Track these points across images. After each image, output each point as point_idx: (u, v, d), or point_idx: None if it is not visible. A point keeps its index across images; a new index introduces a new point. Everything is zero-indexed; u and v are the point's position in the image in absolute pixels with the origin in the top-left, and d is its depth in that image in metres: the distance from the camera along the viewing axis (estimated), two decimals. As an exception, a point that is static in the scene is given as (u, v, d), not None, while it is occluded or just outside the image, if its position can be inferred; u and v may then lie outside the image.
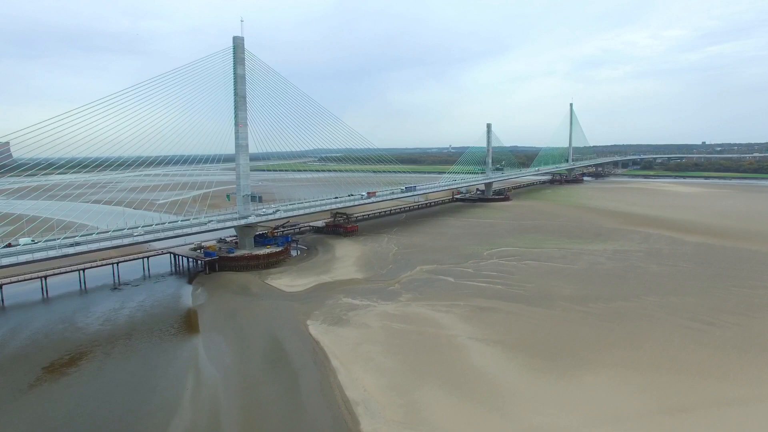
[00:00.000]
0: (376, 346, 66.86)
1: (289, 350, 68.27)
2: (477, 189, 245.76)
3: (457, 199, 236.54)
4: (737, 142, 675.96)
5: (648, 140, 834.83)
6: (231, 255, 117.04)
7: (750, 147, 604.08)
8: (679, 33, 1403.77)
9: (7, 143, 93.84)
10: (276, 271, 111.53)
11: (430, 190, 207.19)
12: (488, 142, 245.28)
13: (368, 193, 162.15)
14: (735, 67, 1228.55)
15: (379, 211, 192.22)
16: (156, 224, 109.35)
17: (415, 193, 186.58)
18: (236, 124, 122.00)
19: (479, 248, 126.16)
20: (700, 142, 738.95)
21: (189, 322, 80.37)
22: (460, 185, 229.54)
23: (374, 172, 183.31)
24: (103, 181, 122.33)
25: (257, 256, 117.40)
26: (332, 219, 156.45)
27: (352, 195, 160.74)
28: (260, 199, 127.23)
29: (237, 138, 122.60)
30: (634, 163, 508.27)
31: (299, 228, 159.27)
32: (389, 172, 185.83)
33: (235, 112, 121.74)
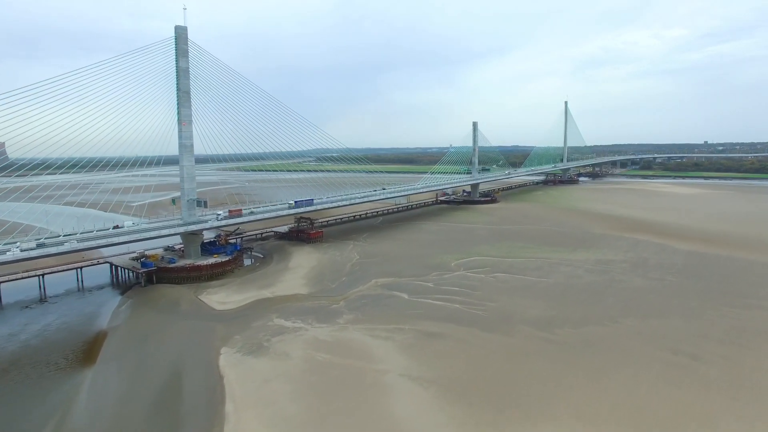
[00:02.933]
0: (286, 384, 55.36)
1: (186, 387, 57.03)
2: (463, 190, 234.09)
3: (442, 201, 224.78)
4: (740, 142, 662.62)
5: (650, 140, 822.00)
6: (171, 265, 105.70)
7: (753, 146, 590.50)
8: (681, 33, 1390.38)
9: (3, 143, 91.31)
10: (217, 283, 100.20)
11: (390, 195, 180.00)
12: (474, 141, 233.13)
13: (230, 211, 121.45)
14: (737, 67, 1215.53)
15: (354, 214, 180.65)
16: (80, 232, 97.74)
17: (316, 207, 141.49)
18: (179, 122, 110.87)
19: (448, 257, 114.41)
20: (702, 142, 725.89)
21: (90, 350, 68.97)
22: (443, 186, 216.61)
23: (366, 172, 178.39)
24: (90, 182, 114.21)
25: (199, 267, 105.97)
26: (296, 224, 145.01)
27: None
28: (205, 204, 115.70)
29: (180, 137, 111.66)
30: (633, 162, 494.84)
31: (261, 234, 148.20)
32: (380, 172, 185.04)
33: (177, 108, 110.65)
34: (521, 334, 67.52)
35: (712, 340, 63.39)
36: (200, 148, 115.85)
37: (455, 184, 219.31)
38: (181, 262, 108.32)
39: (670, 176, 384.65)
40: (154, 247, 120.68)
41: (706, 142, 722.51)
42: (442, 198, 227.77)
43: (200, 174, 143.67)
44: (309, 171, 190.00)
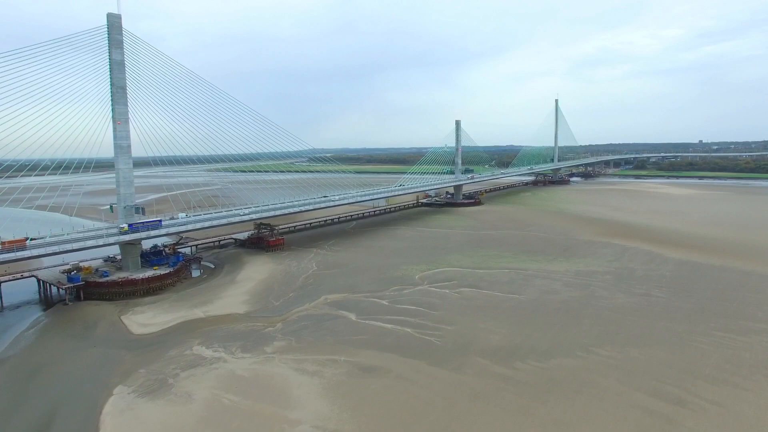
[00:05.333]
0: (170, 443, 44.23)
1: (49, 447, 45.70)
2: (446, 192, 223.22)
3: (423, 204, 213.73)
4: (734, 141, 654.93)
5: (645, 139, 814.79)
6: (102, 279, 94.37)
7: (747, 145, 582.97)
8: (677, 33, 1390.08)
9: None
10: (150, 300, 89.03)
11: (349, 201, 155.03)
12: (457, 140, 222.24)
13: (3, 243, 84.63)
14: (732, 67, 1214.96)
15: (326, 218, 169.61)
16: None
17: (160, 231, 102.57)
18: (113, 120, 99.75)
19: (415, 268, 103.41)
20: (696, 141, 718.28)
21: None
22: (420, 188, 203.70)
23: (358, 173, 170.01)
24: (70, 184, 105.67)
25: (134, 281, 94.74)
26: (256, 231, 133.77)
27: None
28: (143, 212, 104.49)
29: (115, 138, 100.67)
30: (627, 162, 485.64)
31: (219, 241, 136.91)
32: (361, 173, 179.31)
33: (111, 105, 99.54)
34: (475, 368, 56.49)
35: (702, 378, 52.48)
36: (189, 149, 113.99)
37: (433, 186, 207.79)
38: (115, 276, 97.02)
39: (663, 176, 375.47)
40: (94, 258, 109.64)
41: (700, 141, 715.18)
42: (423, 200, 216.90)
43: (187, 175, 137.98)
44: (298, 172, 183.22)
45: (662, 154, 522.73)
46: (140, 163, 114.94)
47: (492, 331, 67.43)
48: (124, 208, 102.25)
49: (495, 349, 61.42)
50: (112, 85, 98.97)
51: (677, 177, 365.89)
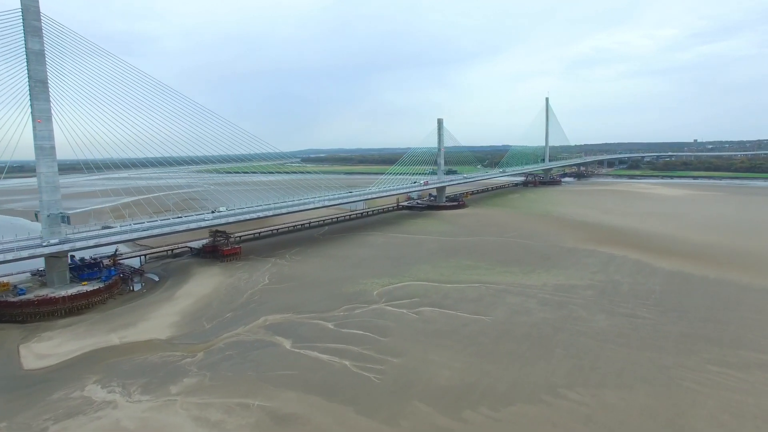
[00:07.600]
0: None
1: None
2: (429, 194, 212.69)
3: (404, 207, 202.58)
4: (729, 140, 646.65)
5: (640, 138, 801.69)
6: (16, 299, 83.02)
7: (742, 144, 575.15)
8: (671, 32, 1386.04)
9: None
10: (66, 323, 77.74)
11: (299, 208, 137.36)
12: (439, 140, 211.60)
13: None
14: (726, 66, 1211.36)
15: (296, 223, 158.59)
16: None
17: None
18: (33, 118, 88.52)
19: (375, 282, 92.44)
20: (692, 140, 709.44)
21: None
22: (397, 191, 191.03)
23: (347, 173, 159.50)
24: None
25: (53, 300, 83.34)
26: (211, 239, 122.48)
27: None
28: (68, 221, 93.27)
29: (36, 138, 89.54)
30: (621, 162, 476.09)
31: (172, 250, 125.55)
32: (360, 173, 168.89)
33: (30, 102, 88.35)
34: (413, 419, 45.52)
35: (693, 435, 41.72)
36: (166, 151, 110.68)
37: (406, 190, 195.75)
38: (33, 294, 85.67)
39: (657, 176, 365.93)
40: (20, 272, 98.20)
41: (695, 140, 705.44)
42: (405, 203, 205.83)
43: (171, 178, 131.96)
44: (282, 173, 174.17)
45: (657, 154, 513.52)
46: (120, 165, 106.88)
47: (444, 365, 56.47)
48: (48, 216, 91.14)
49: (443, 391, 50.45)
50: (29, 78, 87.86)
51: (672, 177, 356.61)
